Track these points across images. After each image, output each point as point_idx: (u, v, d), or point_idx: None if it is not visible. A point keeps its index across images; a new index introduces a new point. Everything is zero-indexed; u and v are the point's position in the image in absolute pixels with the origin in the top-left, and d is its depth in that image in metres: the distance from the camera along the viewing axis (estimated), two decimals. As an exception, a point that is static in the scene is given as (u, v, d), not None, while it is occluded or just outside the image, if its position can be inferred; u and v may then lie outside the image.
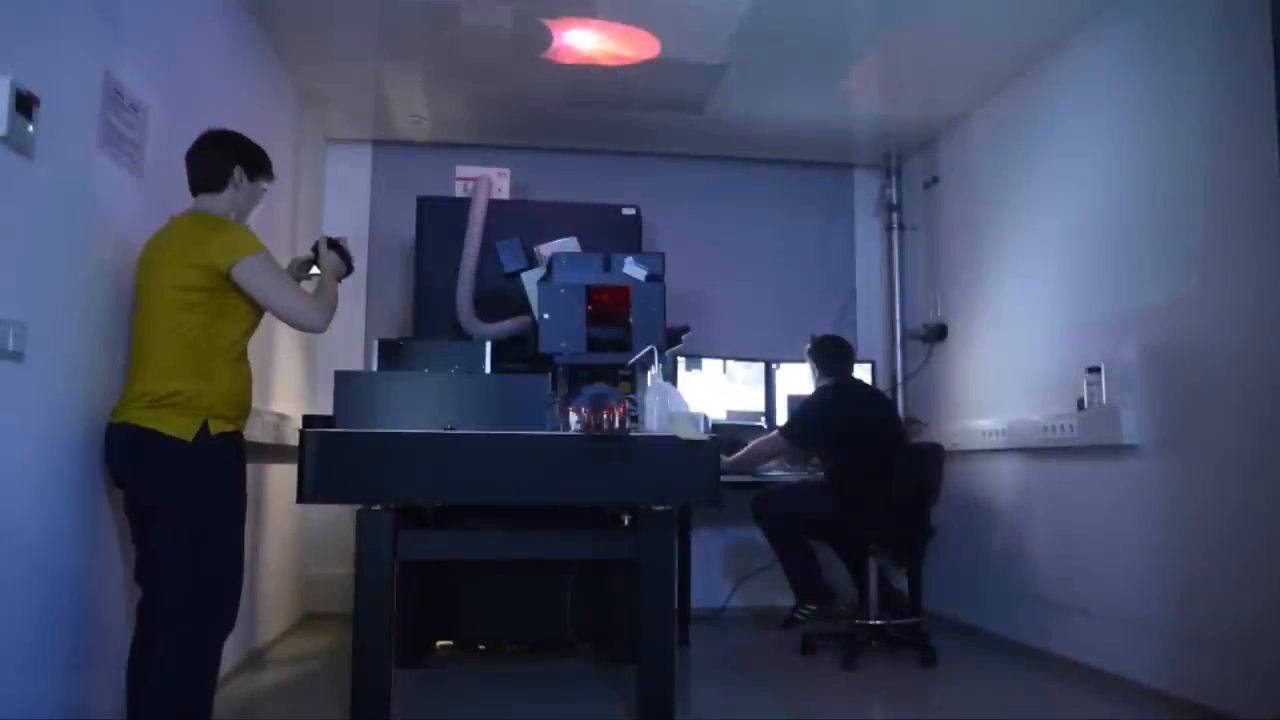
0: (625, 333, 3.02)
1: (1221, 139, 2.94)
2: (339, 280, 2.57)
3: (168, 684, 2.10)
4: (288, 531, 4.15)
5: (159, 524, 2.18)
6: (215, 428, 2.19)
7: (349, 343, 4.69)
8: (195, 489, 2.16)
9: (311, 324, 2.34)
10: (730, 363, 4.58)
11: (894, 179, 5.10)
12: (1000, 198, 4.21)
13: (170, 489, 2.15)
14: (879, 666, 3.65)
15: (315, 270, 2.65)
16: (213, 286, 2.20)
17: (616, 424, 2.66)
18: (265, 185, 2.47)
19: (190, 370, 2.17)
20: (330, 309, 2.41)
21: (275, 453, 3.72)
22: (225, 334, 2.25)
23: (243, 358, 2.32)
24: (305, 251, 2.72)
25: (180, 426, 2.14)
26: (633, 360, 2.92)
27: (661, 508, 2.75)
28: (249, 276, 2.22)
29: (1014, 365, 4.05)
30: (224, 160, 2.35)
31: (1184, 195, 3.07)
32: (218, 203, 2.35)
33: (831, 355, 4.04)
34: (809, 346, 4.11)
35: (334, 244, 2.62)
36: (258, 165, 2.42)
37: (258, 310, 2.32)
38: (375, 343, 3.13)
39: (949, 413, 4.59)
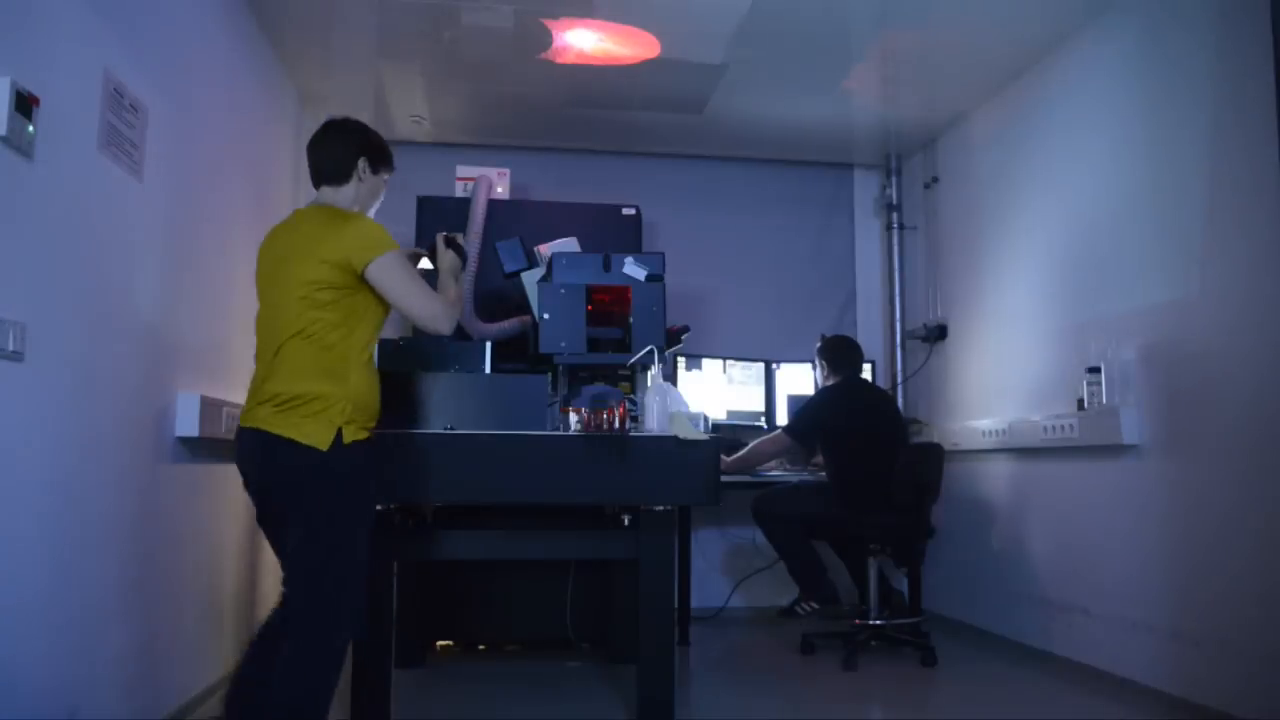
0: (625, 333, 3.02)
1: (1221, 139, 2.94)
2: (456, 278, 2.52)
3: (288, 684, 2.08)
4: (288, 531, 4.15)
5: (291, 528, 2.13)
6: (349, 435, 2.13)
7: (349, 343, 4.69)
8: (329, 498, 2.12)
9: (440, 327, 2.27)
10: (730, 363, 4.58)
11: (894, 179, 5.10)
12: (1000, 198, 4.21)
13: (303, 496, 2.11)
14: (879, 666, 3.65)
15: (425, 265, 2.60)
16: (346, 284, 2.14)
17: (616, 424, 2.66)
18: (387, 176, 2.41)
19: (323, 373, 2.12)
20: (457, 309, 2.35)
21: (275, 453, 3.72)
22: (358, 335, 2.19)
23: (372, 360, 2.27)
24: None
25: (315, 434, 2.08)
26: (633, 360, 2.91)
27: (661, 508, 2.76)
28: (384, 275, 2.15)
29: (1014, 365, 4.05)
30: (348, 152, 2.29)
31: (1184, 195, 3.07)
32: (341, 196, 2.30)
33: (841, 355, 4.04)
34: (819, 346, 4.11)
35: (451, 242, 2.55)
36: (381, 156, 2.35)
37: (386, 309, 2.26)
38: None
39: (949, 413, 4.59)
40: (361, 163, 2.31)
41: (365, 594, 2.20)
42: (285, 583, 2.19)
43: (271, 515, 2.21)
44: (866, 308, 5.23)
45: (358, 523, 2.17)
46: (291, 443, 2.07)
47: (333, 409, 2.11)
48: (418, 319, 2.24)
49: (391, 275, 2.17)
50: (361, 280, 2.16)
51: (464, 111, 4.53)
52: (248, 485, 2.21)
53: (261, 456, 2.12)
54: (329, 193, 2.31)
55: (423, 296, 2.22)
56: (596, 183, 4.83)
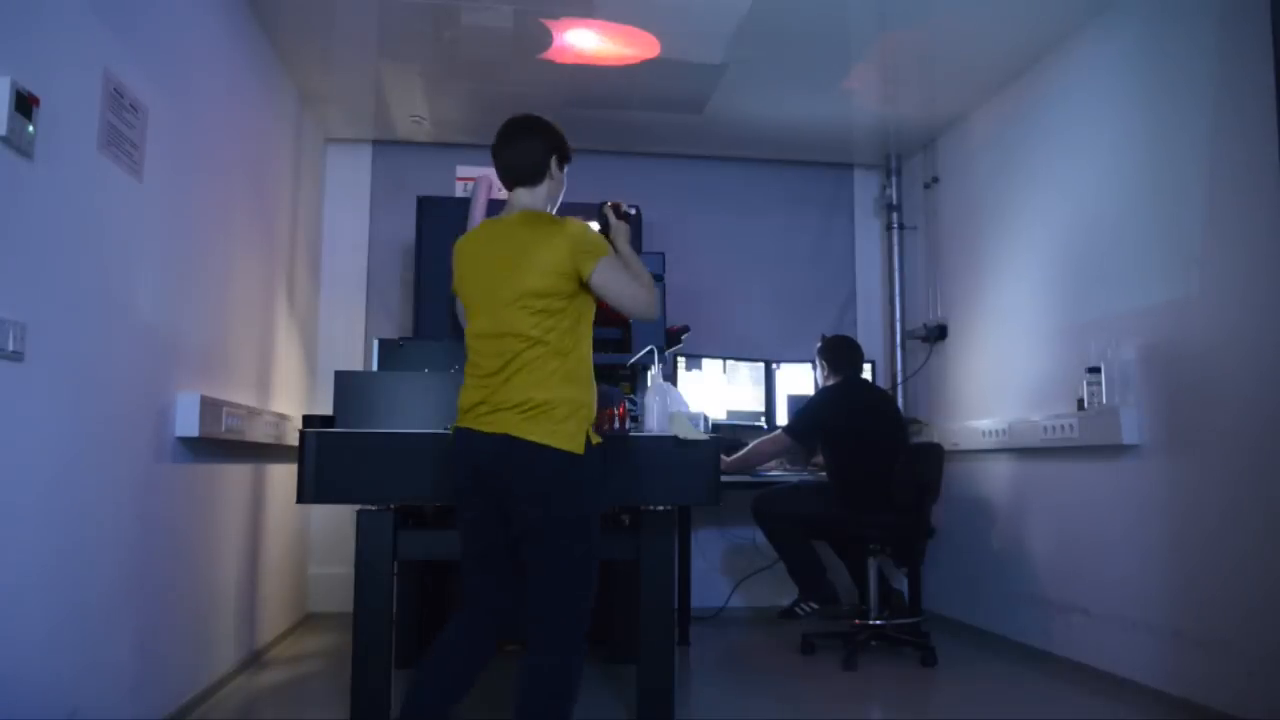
0: (625, 333, 3.02)
1: (1221, 139, 2.94)
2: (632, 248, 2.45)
3: (546, 688, 2.11)
4: (288, 531, 4.15)
5: (539, 535, 2.13)
6: (594, 438, 2.17)
7: (349, 343, 4.69)
8: (586, 500, 2.16)
9: (653, 313, 2.28)
10: (730, 363, 4.58)
11: (894, 179, 5.10)
12: (1000, 198, 4.21)
13: (557, 500, 2.12)
14: (879, 666, 3.65)
15: (593, 224, 2.50)
16: (572, 292, 2.16)
17: (617, 424, 2.66)
18: (567, 167, 2.40)
19: (565, 378, 2.14)
20: (653, 288, 2.32)
21: (275, 453, 3.73)
22: (586, 337, 2.22)
23: (590, 358, 2.27)
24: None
25: (570, 439, 2.10)
26: (633, 360, 2.92)
27: (661, 508, 2.76)
28: (606, 279, 2.17)
29: (1014, 365, 4.05)
30: (541, 152, 2.28)
31: (1184, 195, 3.08)
32: (537, 197, 2.30)
33: (841, 355, 4.04)
34: (819, 346, 4.11)
35: (617, 209, 2.47)
36: (566, 151, 2.35)
37: (595, 306, 2.27)
38: (375, 343, 3.13)
39: (949, 413, 4.59)
40: (553, 161, 2.31)
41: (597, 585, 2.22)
42: (532, 585, 2.16)
43: (501, 517, 2.17)
44: (866, 308, 5.23)
45: (598, 522, 2.21)
46: (547, 448, 2.08)
47: (580, 413, 2.14)
48: (631, 311, 2.25)
49: (614, 278, 2.18)
50: (583, 285, 2.18)
51: (464, 111, 4.53)
52: (473, 483, 2.18)
53: (511, 461, 2.11)
54: (524, 194, 2.30)
55: (636, 289, 2.22)
56: (596, 183, 4.81)
